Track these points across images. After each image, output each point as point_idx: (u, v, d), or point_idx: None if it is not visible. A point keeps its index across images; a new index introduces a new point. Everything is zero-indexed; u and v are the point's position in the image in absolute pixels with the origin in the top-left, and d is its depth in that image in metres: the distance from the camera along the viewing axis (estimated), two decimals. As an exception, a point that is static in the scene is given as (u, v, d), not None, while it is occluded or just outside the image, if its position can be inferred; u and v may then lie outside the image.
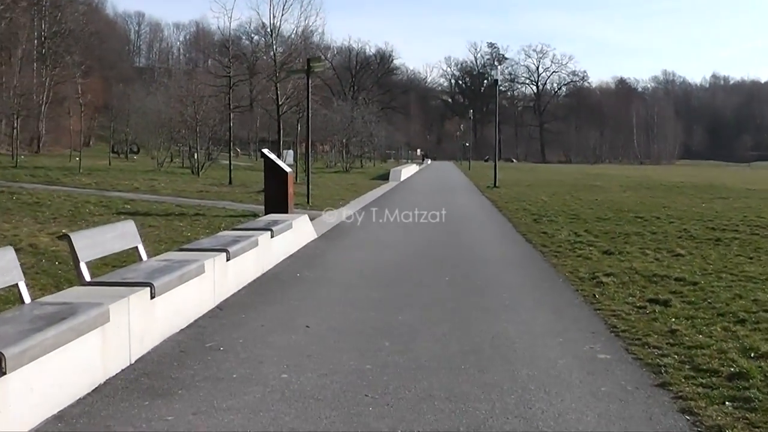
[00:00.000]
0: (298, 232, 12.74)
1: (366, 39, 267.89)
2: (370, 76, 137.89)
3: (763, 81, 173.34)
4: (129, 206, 19.04)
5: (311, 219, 14.90)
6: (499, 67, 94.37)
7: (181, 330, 6.62)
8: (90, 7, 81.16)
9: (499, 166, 41.20)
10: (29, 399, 4.32)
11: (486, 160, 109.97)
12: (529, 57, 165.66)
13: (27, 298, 5.49)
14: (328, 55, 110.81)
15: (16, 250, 5.67)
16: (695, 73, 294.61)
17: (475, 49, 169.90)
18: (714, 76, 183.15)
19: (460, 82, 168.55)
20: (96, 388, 5.02)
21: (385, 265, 10.97)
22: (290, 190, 16.16)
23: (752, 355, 5.85)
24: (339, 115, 62.62)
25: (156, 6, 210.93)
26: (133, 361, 5.63)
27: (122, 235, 7.62)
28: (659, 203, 24.65)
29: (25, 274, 5.73)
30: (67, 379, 4.75)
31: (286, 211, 15.22)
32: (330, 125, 61.43)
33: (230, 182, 30.15)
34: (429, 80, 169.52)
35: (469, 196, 30.53)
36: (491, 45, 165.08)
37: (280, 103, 34.52)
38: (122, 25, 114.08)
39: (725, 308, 7.66)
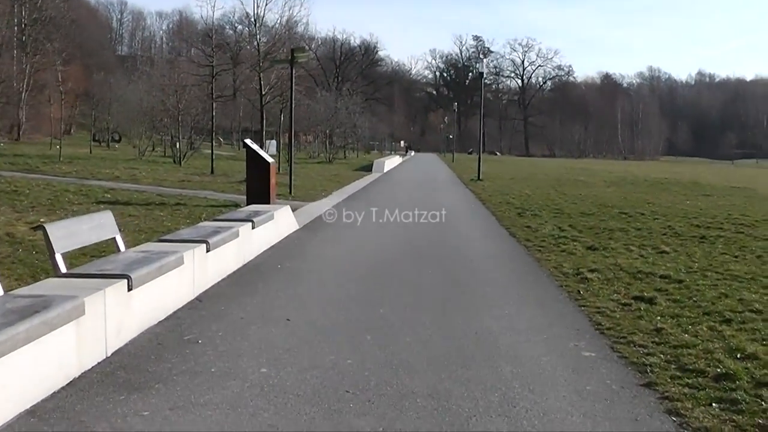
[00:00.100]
0: (280, 223, 12.65)
1: (351, 30, 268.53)
2: (355, 67, 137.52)
3: (748, 79, 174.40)
4: (109, 195, 18.82)
5: (293, 210, 14.79)
6: (484, 60, 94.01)
7: (159, 322, 6.50)
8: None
9: (483, 158, 41.15)
10: (0, 394, 4.19)
11: (470, 153, 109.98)
12: (515, 50, 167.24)
13: (0, 291, 5.36)
14: (313, 46, 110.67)
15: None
16: (681, 70, 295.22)
17: (461, 42, 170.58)
18: (699, 73, 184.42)
19: (445, 75, 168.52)
20: (71, 382, 4.89)
21: (367, 257, 10.89)
22: (272, 180, 16.05)
23: (738, 356, 5.79)
24: (322, 105, 62.28)
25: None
26: (109, 354, 5.51)
27: (100, 226, 7.50)
28: (643, 199, 24.64)
29: (1, 263, 5.59)
30: (41, 374, 4.62)
31: (268, 202, 15.13)
32: (313, 116, 61.19)
33: (212, 172, 29.93)
34: (413, 72, 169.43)
35: (453, 188, 30.45)
36: (477, 38, 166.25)
37: (263, 93, 34.37)
38: (104, 12, 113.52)
39: (711, 307, 7.60)
